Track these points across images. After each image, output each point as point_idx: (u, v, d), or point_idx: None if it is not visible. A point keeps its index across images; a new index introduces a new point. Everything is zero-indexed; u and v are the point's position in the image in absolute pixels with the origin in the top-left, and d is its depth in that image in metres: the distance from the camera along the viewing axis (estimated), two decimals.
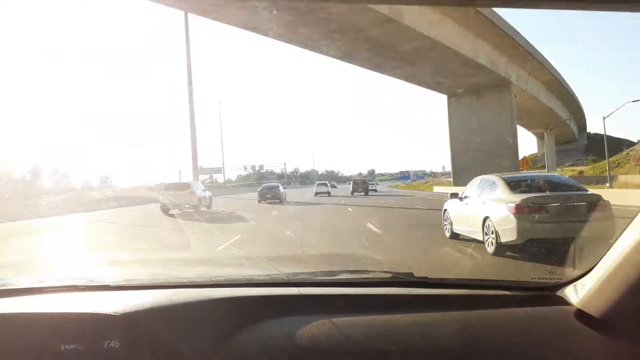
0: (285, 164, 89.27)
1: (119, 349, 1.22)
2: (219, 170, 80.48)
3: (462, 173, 41.70)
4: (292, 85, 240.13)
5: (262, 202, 26.88)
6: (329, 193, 38.86)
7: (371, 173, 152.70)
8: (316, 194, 37.57)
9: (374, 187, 45.54)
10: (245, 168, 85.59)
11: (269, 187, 29.69)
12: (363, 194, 37.63)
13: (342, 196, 34.03)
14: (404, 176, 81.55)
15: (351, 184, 41.18)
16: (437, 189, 46.08)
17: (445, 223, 8.97)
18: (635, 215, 1.13)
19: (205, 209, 20.60)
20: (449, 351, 1.20)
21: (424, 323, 1.33)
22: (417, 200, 26.89)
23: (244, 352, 1.22)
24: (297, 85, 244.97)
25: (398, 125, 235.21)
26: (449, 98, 43.99)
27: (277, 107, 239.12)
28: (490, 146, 39.77)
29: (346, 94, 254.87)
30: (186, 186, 20.95)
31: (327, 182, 44.32)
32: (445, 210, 8.99)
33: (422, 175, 78.39)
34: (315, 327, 1.31)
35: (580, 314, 1.26)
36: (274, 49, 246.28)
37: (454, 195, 8.79)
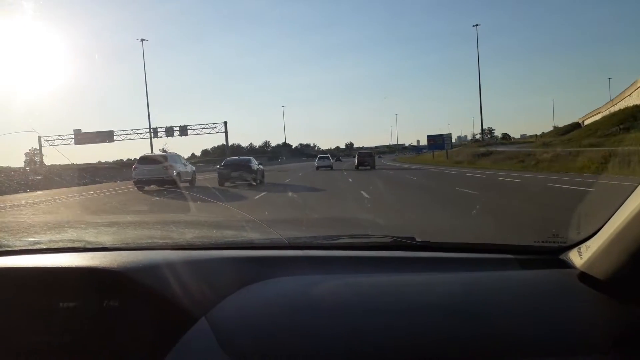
0: (225, 123, 55.77)
1: (118, 307, 1.21)
2: (109, 136, 50.75)
3: None
4: (255, 40, 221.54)
5: (226, 184, 18.26)
6: (331, 167, 39.09)
7: (349, 147, 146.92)
8: (318, 167, 37.87)
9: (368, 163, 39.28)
10: (155, 132, 51.33)
11: (236, 162, 20.17)
12: (369, 167, 36.55)
13: (346, 170, 31.57)
14: (434, 144, 54.63)
15: (356, 157, 40.57)
16: None
17: None
18: None
19: (187, 185, 18.54)
20: (452, 311, 1.19)
21: (426, 284, 1.33)
22: None
23: (244, 311, 1.22)
24: (261, 41, 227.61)
25: (382, 90, 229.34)
26: None
27: (232, 64, 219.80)
28: None
29: (319, 56, 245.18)
30: (162, 159, 18.49)
31: (329, 155, 44.71)
32: None
33: (420, 148, 60.67)
34: (317, 287, 1.31)
35: (585, 277, 1.25)
36: None
37: None
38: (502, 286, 1.31)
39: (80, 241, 1.67)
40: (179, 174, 18.33)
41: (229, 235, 2.20)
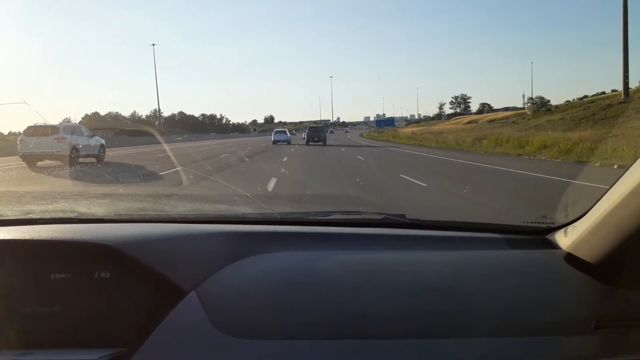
0: None
1: (110, 279, 1.21)
2: None
3: None
4: None
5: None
6: (288, 141, 38.42)
7: (269, 121, 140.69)
8: (274, 142, 37.60)
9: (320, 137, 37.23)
10: None
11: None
12: (321, 143, 35.79)
13: (299, 145, 28.73)
14: None
15: (306, 131, 39.91)
16: None
17: None
18: (635, 161, 1.09)
19: (93, 161, 16.31)
20: (440, 289, 1.22)
21: (416, 262, 1.35)
22: None
23: (234, 286, 1.23)
24: None
25: (307, 62, 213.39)
26: None
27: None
28: None
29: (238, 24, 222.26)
30: (52, 130, 15.54)
31: (286, 130, 44.29)
32: None
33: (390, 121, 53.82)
34: (307, 263, 1.32)
35: (571, 258, 1.27)
36: None
37: None
38: (489, 265, 1.33)
39: (72, 212, 1.66)
40: (75, 148, 15.86)
41: (221, 209, 2.19)
